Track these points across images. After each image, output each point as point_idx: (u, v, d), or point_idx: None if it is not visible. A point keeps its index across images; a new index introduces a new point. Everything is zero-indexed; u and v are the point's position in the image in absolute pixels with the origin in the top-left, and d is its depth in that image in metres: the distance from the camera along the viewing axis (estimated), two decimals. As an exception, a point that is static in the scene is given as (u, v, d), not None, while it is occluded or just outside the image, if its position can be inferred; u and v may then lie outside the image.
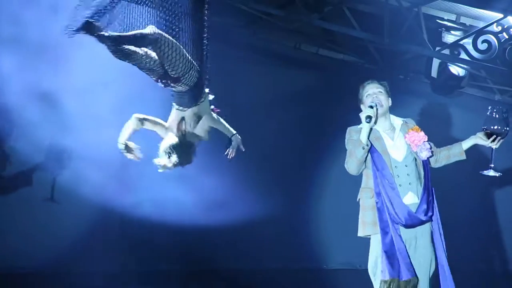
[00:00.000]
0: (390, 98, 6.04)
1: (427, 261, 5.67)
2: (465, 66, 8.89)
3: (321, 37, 9.47)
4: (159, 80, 5.68)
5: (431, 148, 5.84)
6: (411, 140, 5.82)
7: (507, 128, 5.71)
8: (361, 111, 5.89)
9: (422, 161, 5.79)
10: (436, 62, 9.05)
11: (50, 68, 8.06)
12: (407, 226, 5.58)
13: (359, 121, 9.26)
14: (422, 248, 5.66)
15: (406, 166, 5.80)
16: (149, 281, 8.55)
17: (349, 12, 8.73)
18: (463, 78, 9.04)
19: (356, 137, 5.77)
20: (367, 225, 5.69)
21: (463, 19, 8.87)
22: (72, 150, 8.20)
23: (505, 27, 8.40)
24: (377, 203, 5.64)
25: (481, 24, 8.65)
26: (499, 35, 8.46)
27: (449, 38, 8.77)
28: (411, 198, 5.68)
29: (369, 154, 5.75)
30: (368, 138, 5.71)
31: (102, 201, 8.22)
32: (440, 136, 9.51)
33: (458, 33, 8.81)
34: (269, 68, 9.33)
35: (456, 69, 8.95)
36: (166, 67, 5.50)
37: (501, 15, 8.26)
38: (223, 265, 8.96)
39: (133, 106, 8.24)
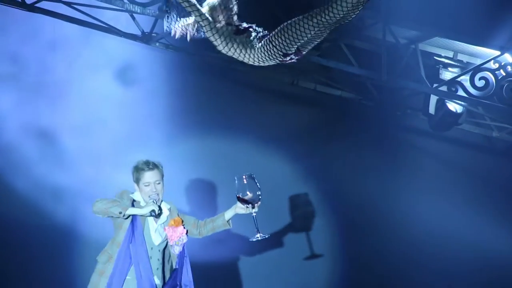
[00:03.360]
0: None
1: None
2: (462, 103, 8.91)
3: (318, 73, 9.49)
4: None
5: (183, 242, 6.03)
6: (169, 235, 6.01)
7: (259, 192, 5.82)
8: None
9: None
10: (433, 99, 9.06)
11: (48, 105, 8.09)
12: None
13: (357, 157, 9.36)
14: None
15: (159, 251, 6.02)
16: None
17: (347, 48, 8.76)
18: (460, 115, 9.04)
19: (125, 203, 5.89)
20: None
21: (460, 56, 8.91)
22: (70, 187, 8.18)
23: (502, 64, 8.45)
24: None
25: (478, 61, 8.69)
26: (496, 72, 8.50)
27: (447, 75, 8.80)
28: (158, 282, 5.94)
29: (127, 224, 5.88)
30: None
31: (100, 238, 8.17)
32: (436, 172, 9.65)
33: (455, 70, 8.84)
34: (266, 105, 9.33)
35: (453, 106, 8.95)
36: None
37: (498, 53, 8.31)
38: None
39: (130, 144, 8.29)
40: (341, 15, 4.87)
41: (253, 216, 5.87)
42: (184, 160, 8.65)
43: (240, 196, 5.84)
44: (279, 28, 5.02)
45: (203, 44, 8.53)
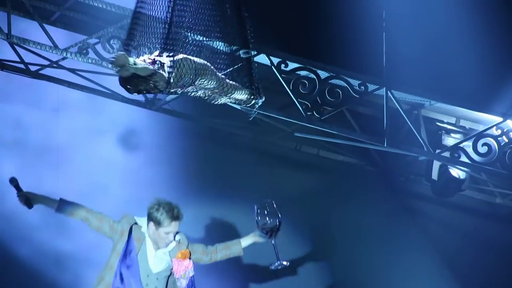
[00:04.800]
0: None
1: None
2: (465, 169, 8.90)
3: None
4: None
5: (189, 276, 6.03)
6: (174, 268, 6.00)
7: (279, 220, 5.77)
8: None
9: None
10: (436, 165, 9.06)
11: (51, 170, 8.11)
12: None
13: (360, 223, 9.33)
14: None
15: (157, 279, 5.96)
16: None
17: (349, 114, 8.80)
18: (463, 181, 9.04)
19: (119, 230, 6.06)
20: None
21: (462, 122, 8.94)
22: (73, 254, 8.14)
23: (505, 130, 8.44)
24: None
25: (480, 128, 8.70)
26: (499, 138, 8.48)
27: (449, 140, 8.80)
28: None
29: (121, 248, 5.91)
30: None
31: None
32: (439, 238, 9.60)
33: (458, 136, 8.85)
34: (269, 170, 9.34)
35: (456, 172, 8.95)
36: None
37: (500, 119, 8.31)
38: None
39: (132, 209, 8.23)
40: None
41: (273, 244, 5.79)
42: (187, 226, 8.58)
43: (260, 224, 5.77)
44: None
45: (206, 110, 8.71)
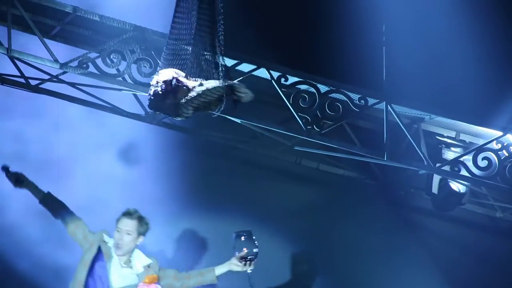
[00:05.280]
0: (142, 236, 6.16)
1: None
2: (465, 183, 8.90)
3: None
4: None
5: None
6: None
7: (256, 250, 5.78)
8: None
9: None
10: (436, 178, 9.06)
11: (51, 184, 8.05)
12: None
13: (360, 236, 9.31)
14: None
15: None
16: None
17: (349, 127, 8.80)
18: (464, 195, 9.03)
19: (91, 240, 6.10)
20: None
21: (462, 136, 8.95)
22: (73, 267, 8.09)
23: (505, 144, 8.44)
24: None
25: (480, 141, 8.71)
26: (499, 152, 8.48)
27: (449, 154, 8.81)
28: None
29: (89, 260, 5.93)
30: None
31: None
32: (439, 252, 9.58)
33: (458, 149, 8.86)
34: (269, 184, 9.34)
35: (456, 186, 8.95)
36: None
37: (500, 133, 8.32)
38: None
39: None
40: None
41: (248, 273, 5.82)
42: (187, 240, 8.63)
43: (237, 252, 5.81)
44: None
45: (206, 123, 8.72)
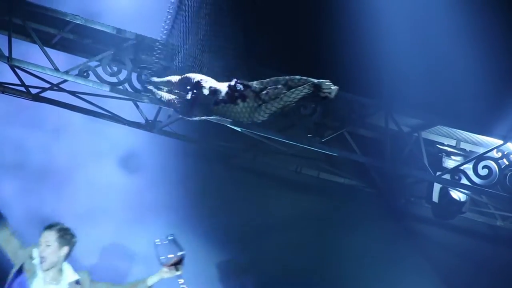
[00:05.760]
0: (66, 246, 6.04)
1: None
2: (466, 191, 8.89)
3: (322, 160, 9.51)
4: None
5: None
6: None
7: (182, 252, 5.79)
8: None
9: None
10: (437, 187, 9.04)
11: (52, 193, 8.10)
12: None
13: (360, 245, 9.30)
14: None
15: None
16: None
17: (350, 136, 8.80)
18: (464, 203, 9.02)
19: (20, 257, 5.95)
20: None
21: (463, 145, 8.94)
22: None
23: (505, 153, 8.46)
24: None
25: (481, 150, 8.71)
26: (499, 161, 8.49)
27: (450, 163, 8.80)
28: None
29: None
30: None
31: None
32: (440, 260, 9.57)
33: (458, 158, 8.85)
34: (270, 192, 9.34)
35: (457, 194, 8.94)
36: None
37: (501, 142, 8.34)
38: None
39: (133, 232, 8.26)
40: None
41: (179, 277, 5.84)
42: (187, 248, 8.60)
43: (163, 259, 5.82)
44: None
45: (206, 131, 8.72)
